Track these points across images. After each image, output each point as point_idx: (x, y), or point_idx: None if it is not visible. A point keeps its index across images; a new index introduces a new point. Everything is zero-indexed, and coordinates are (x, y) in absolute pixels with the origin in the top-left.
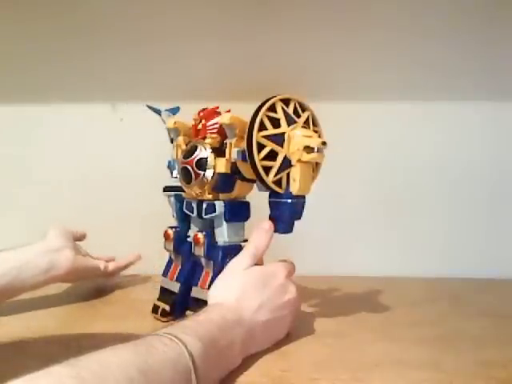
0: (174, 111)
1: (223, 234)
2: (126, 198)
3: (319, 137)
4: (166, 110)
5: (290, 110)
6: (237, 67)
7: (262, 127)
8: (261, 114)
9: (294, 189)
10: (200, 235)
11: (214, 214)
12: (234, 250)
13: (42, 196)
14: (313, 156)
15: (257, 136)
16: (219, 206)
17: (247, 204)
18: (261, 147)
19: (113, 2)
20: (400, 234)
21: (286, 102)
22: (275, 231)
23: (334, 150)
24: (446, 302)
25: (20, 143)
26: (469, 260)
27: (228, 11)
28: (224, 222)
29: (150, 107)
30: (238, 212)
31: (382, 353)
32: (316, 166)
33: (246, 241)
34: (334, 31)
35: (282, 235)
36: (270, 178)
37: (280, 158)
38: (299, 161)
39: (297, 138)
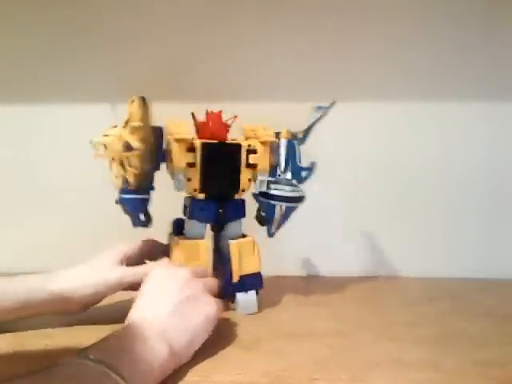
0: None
1: None
2: None
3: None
4: (319, 107)
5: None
6: (238, 67)
7: None
8: None
9: None
10: None
11: None
12: None
13: (40, 198)
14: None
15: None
16: None
17: None
18: None
19: (112, 1)
20: (399, 234)
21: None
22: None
23: (334, 149)
24: (445, 302)
25: (18, 144)
26: (469, 260)
27: (232, 9)
28: None
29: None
30: None
31: (382, 353)
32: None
33: None
34: (333, 31)
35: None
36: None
37: None
38: None
39: None
